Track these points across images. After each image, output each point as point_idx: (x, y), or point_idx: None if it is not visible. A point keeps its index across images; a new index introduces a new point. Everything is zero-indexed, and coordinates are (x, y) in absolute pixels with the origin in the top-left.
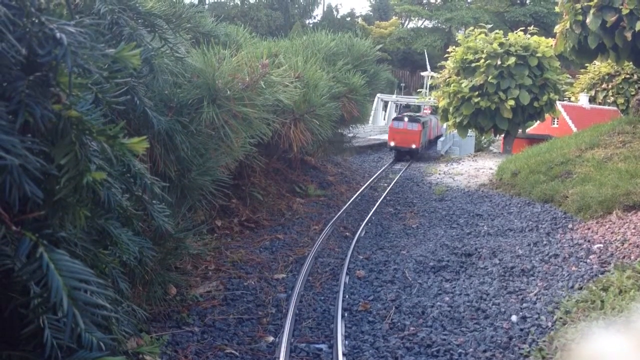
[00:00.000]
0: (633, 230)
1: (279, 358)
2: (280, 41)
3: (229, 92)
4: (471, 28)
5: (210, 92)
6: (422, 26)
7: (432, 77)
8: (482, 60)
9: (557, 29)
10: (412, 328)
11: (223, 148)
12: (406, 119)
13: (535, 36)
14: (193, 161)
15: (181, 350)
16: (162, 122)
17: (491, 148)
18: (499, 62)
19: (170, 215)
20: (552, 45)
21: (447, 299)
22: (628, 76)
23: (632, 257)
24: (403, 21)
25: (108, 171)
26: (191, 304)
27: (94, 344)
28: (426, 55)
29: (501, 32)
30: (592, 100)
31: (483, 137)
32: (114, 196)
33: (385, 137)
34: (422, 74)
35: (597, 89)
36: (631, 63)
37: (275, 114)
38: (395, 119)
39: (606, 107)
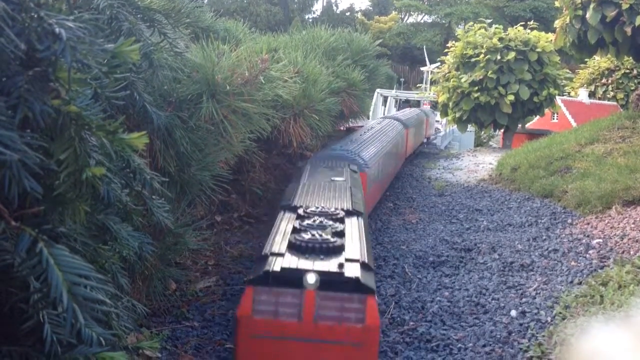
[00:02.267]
0: (632, 225)
1: None
2: (279, 36)
3: (228, 87)
4: (471, 23)
5: (209, 87)
6: (422, 21)
7: (431, 72)
8: (482, 55)
9: (557, 23)
10: (411, 323)
11: (222, 143)
12: None
13: (535, 31)
14: (192, 156)
15: (181, 345)
16: (161, 117)
17: (491, 143)
18: (498, 57)
19: (170, 210)
20: (551, 40)
21: (446, 294)
22: (628, 71)
23: (632, 252)
24: (402, 16)
25: (107, 166)
26: (191, 299)
27: (93, 339)
28: (425, 51)
29: (501, 27)
30: (591, 95)
31: (483, 132)
32: (113, 191)
33: None
34: (422, 69)
35: (597, 84)
36: (631, 58)
37: (275, 109)
38: None
39: (606, 102)
